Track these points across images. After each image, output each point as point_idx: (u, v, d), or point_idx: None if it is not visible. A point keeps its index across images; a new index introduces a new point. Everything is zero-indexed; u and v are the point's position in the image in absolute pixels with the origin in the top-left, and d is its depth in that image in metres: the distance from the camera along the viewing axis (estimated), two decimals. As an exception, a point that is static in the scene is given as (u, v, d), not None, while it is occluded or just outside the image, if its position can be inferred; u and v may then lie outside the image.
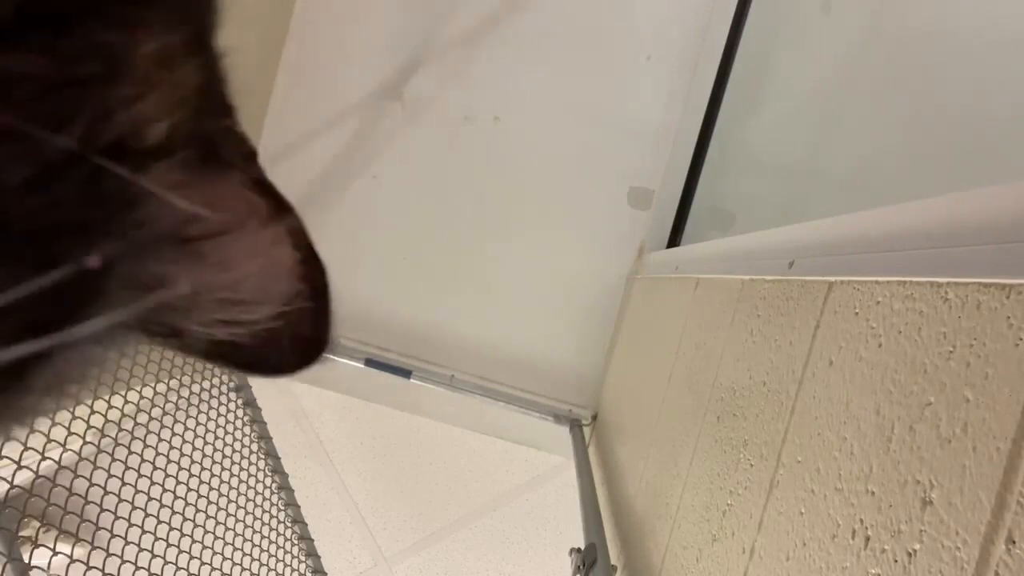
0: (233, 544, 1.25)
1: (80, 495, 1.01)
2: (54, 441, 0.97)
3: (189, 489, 1.21)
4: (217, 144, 0.27)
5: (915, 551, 0.37)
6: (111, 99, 0.20)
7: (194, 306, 0.27)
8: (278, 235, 0.30)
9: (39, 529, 1.06)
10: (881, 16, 1.64)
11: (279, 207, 0.30)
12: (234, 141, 0.28)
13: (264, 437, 1.47)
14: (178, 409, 1.29)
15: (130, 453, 1.12)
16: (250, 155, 0.29)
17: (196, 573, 1.15)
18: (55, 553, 0.98)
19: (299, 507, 1.47)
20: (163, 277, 0.25)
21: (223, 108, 0.27)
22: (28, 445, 0.92)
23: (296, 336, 0.31)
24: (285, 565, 1.36)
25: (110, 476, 1.06)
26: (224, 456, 1.32)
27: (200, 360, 0.31)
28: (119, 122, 0.20)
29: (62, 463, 0.99)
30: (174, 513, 1.15)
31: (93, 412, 1.07)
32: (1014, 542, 0.30)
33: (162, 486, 1.15)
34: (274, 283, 0.30)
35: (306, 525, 1.47)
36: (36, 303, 0.19)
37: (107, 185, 0.20)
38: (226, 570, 1.21)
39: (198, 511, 1.20)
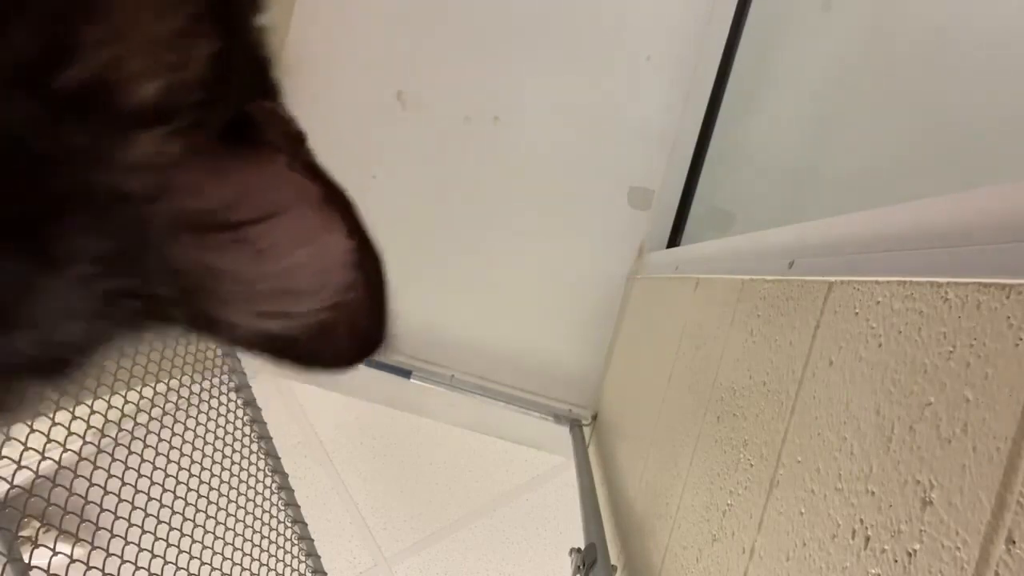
0: (233, 544, 1.25)
1: (80, 495, 1.01)
2: (54, 441, 0.97)
3: (189, 489, 1.21)
4: (259, 126, 0.25)
5: (915, 551, 0.37)
6: (76, 36, 0.18)
7: (242, 296, 0.26)
8: (330, 221, 0.28)
9: (39, 529, 1.06)
10: (881, 15, 1.64)
11: (331, 192, 0.28)
12: (278, 123, 0.26)
13: (264, 437, 1.47)
14: (178, 409, 1.29)
15: (130, 453, 1.12)
16: (298, 137, 0.27)
17: (196, 573, 1.15)
18: (55, 553, 0.98)
19: (299, 507, 1.47)
20: (193, 264, 0.24)
21: (261, 87, 0.26)
22: (28, 445, 0.92)
23: (352, 328, 0.29)
24: (285, 565, 1.36)
25: (110, 476, 1.06)
26: (224, 456, 1.32)
27: (251, 353, 0.29)
28: (85, 65, 0.18)
29: (62, 463, 0.99)
30: (174, 513, 1.15)
31: (93, 412, 1.07)
32: (1014, 542, 0.30)
33: (162, 486, 1.15)
34: (327, 272, 0.28)
35: (306, 525, 1.47)
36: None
37: (72, 137, 0.19)
38: (226, 570, 1.21)
39: (198, 511, 1.20)
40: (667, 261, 1.35)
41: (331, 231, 0.28)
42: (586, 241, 1.71)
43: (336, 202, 0.28)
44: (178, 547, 1.13)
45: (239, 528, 1.28)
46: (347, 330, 0.29)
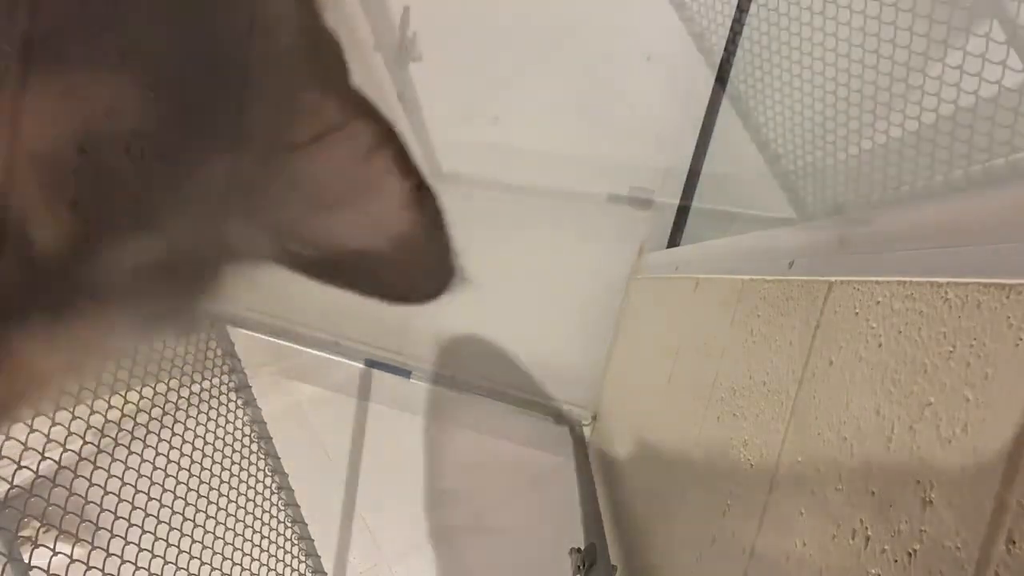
0: (233, 544, 1.25)
1: (80, 495, 1.01)
2: (54, 441, 0.97)
3: (189, 489, 1.21)
4: (316, 47, 0.25)
5: (915, 551, 0.37)
6: None
7: (302, 214, 0.26)
8: (384, 161, 0.28)
9: (39, 529, 1.06)
10: (881, 14, 1.64)
11: (382, 130, 0.28)
12: (332, 47, 0.26)
13: (264, 437, 1.47)
14: (178, 409, 1.29)
15: (130, 453, 1.12)
16: (344, 68, 0.27)
17: (196, 573, 1.15)
18: (55, 553, 0.98)
19: (299, 507, 1.47)
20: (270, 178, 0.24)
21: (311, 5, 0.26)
22: (28, 445, 0.93)
23: (421, 262, 0.30)
24: (285, 565, 1.36)
25: (110, 476, 1.06)
26: (224, 456, 1.32)
27: (339, 285, 0.29)
28: None
29: (62, 463, 0.99)
30: (174, 513, 1.15)
31: (93, 412, 1.07)
32: (1014, 542, 0.30)
33: (162, 486, 1.15)
34: (387, 213, 0.29)
35: (306, 525, 1.47)
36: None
37: None
38: (226, 570, 1.21)
39: (198, 511, 1.20)
40: (667, 261, 1.35)
41: (385, 171, 0.28)
42: (586, 241, 1.71)
43: (389, 144, 0.28)
44: (178, 547, 1.13)
45: (239, 528, 1.28)
46: (418, 265, 0.30)
